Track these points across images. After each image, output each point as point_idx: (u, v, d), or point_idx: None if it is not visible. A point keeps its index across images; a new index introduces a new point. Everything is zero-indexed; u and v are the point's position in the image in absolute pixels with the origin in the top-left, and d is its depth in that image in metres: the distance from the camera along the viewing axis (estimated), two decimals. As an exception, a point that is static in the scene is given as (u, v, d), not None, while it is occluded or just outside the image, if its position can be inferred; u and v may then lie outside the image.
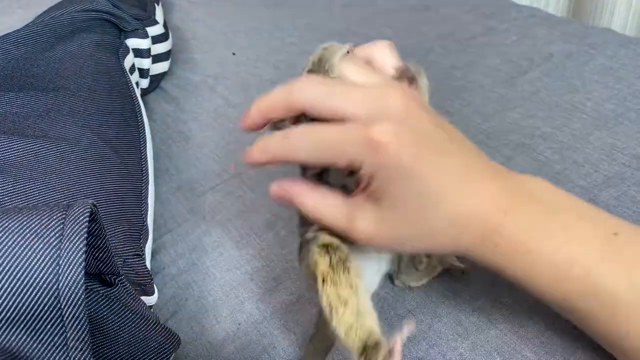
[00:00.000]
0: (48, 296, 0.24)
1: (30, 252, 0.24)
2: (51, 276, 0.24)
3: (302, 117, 0.32)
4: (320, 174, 0.33)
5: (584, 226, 0.29)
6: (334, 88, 0.30)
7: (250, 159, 0.32)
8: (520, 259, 0.29)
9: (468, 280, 0.37)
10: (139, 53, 0.63)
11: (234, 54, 0.74)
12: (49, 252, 0.24)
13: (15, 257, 0.24)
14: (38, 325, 0.24)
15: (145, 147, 0.49)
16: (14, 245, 0.24)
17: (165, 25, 0.71)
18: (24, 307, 0.24)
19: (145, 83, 0.65)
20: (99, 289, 0.29)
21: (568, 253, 0.28)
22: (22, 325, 0.24)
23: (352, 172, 0.30)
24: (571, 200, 0.31)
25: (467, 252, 0.30)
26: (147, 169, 0.48)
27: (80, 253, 0.24)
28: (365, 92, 0.30)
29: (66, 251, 0.24)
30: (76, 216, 0.25)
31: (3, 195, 0.36)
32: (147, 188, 0.46)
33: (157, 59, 0.67)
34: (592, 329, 0.30)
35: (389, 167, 0.28)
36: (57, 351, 0.24)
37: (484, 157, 0.32)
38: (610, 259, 0.28)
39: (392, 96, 0.29)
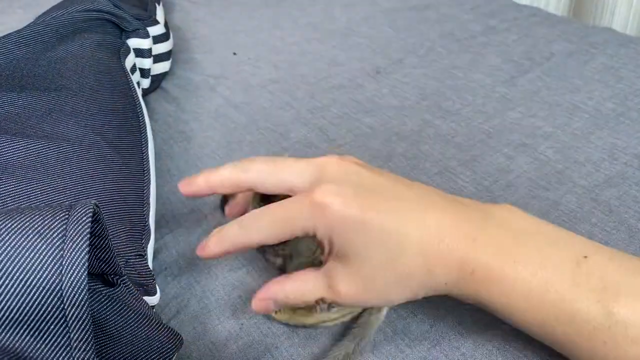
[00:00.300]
0: (51, 297, 0.24)
1: (33, 253, 0.24)
2: (54, 277, 0.24)
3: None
4: (283, 269, 0.36)
5: (555, 250, 0.29)
6: (279, 164, 0.33)
7: (208, 253, 0.33)
8: (496, 286, 0.29)
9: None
10: (140, 53, 0.63)
11: (234, 53, 0.74)
12: (52, 253, 0.24)
13: (19, 257, 0.24)
14: (41, 326, 0.24)
15: (147, 147, 0.49)
16: (17, 246, 0.24)
17: (166, 25, 0.71)
18: (28, 308, 0.24)
19: (146, 83, 0.65)
20: (102, 289, 0.29)
21: (542, 278, 0.28)
22: (25, 326, 0.24)
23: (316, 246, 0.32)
24: (541, 225, 0.31)
25: (451, 289, 0.30)
26: (149, 169, 0.48)
27: (84, 253, 0.24)
28: (305, 163, 0.32)
29: (69, 252, 0.24)
30: (79, 216, 0.25)
31: (5, 195, 0.36)
32: (149, 188, 0.46)
33: (158, 58, 0.67)
34: (573, 354, 0.30)
35: (340, 225, 0.29)
36: (61, 351, 0.24)
37: (445, 194, 0.32)
38: (582, 283, 0.28)
39: (329, 162, 0.32)
